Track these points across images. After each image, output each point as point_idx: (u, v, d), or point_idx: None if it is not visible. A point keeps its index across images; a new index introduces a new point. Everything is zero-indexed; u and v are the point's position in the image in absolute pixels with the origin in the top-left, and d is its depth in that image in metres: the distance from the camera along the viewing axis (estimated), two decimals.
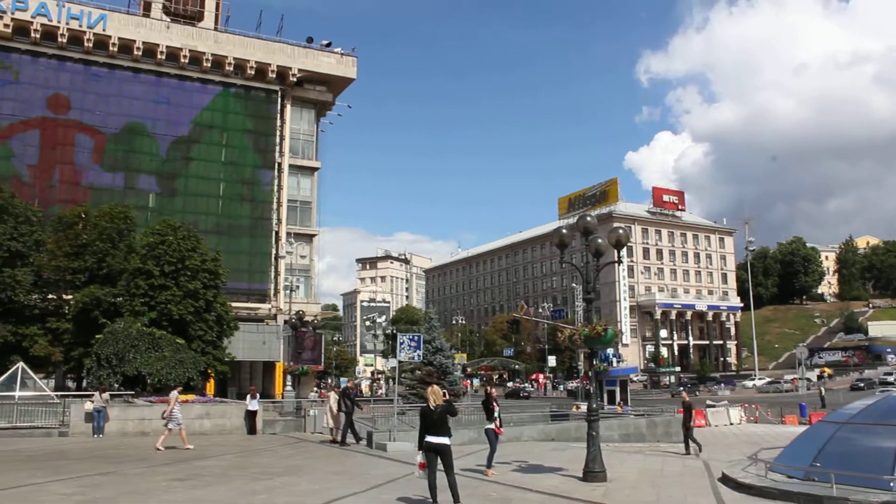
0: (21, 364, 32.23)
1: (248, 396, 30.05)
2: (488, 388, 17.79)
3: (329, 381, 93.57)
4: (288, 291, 60.10)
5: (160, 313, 39.81)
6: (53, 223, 45.21)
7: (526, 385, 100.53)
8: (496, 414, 16.80)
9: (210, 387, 45.99)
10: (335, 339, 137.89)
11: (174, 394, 23.24)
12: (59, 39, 58.28)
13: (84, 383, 39.44)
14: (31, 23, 57.36)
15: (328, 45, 68.71)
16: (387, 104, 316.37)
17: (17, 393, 29.71)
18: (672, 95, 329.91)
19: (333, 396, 25.62)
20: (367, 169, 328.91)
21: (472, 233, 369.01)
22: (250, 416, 29.27)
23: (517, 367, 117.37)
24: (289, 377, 46.82)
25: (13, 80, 57.66)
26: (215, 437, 27.35)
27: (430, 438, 11.46)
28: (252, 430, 28.98)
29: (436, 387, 12.35)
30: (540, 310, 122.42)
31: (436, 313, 56.63)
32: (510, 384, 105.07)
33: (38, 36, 57.73)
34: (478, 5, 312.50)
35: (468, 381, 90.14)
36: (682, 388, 33.89)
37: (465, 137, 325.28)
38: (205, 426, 28.19)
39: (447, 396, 12.55)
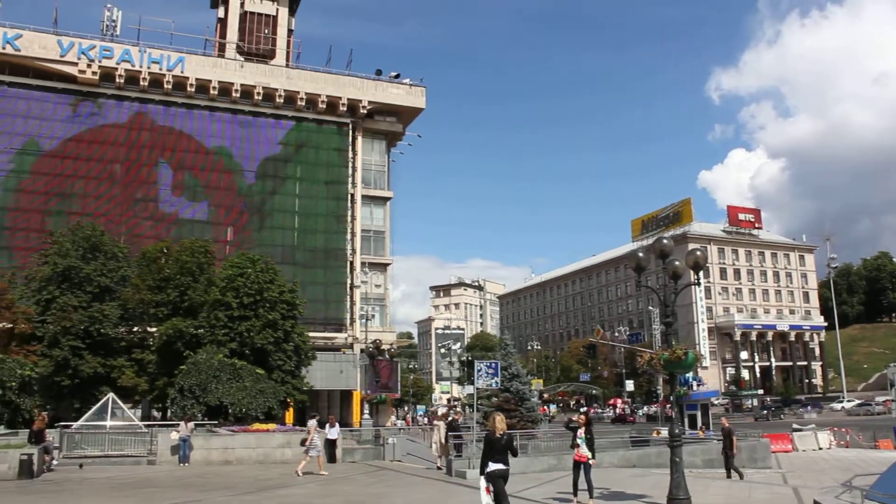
0: (111, 395, 33.31)
1: (327, 425, 30.32)
2: (577, 415, 17.24)
3: (406, 409, 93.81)
4: (363, 320, 60.85)
5: (240, 344, 40.72)
6: (138, 258, 46.84)
7: (624, 409, 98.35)
8: (580, 440, 16.20)
9: (290, 416, 46.69)
10: (411, 366, 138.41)
11: (312, 422, 23.85)
12: (141, 83, 60.83)
13: (169, 413, 40.49)
14: (116, 69, 60.13)
15: (396, 76, 69.83)
16: (456, 131, 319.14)
17: (108, 422, 30.70)
18: (745, 112, 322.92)
19: (442, 426, 25.87)
20: (438, 196, 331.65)
21: (545, 257, 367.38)
22: (330, 444, 29.47)
23: (594, 392, 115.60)
24: (366, 405, 47.07)
25: (99, 122, 60.28)
26: (297, 465, 27.59)
27: (493, 466, 11.55)
28: (332, 458, 29.16)
29: (502, 415, 12.44)
30: (616, 334, 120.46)
31: (511, 339, 56.24)
32: (583, 409, 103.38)
33: (122, 81, 60.42)
34: (544, 31, 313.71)
35: (545, 408, 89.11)
36: (722, 416, 32.89)
37: (535, 162, 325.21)
38: (286, 455, 28.51)
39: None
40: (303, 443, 23.56)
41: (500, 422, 11.96)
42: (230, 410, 36.90)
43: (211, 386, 36.89)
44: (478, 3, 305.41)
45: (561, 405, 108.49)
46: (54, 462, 24.93)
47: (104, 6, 62.06)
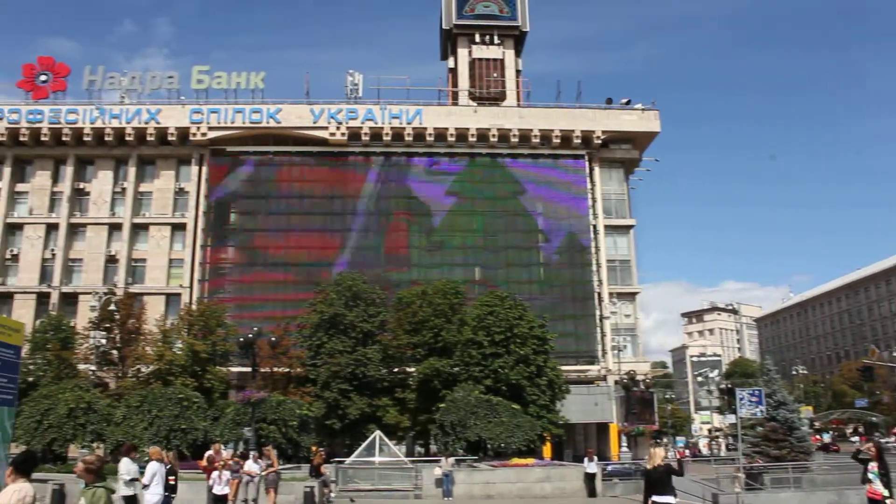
0: (378, 432, 35.16)
1: (586, 459, 29.65)
2: (867, 445, 15.15)
3: (664, 440, 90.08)
4: (615, 352, 59.55)
5: (495, 380, 41.43)
6: (394, 303, 49.55)
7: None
8: (871, 474, 13.90)
9: (547, 450, 46.52)
10: (667, 396, 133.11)
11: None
12: (384, 138, 65.01)
13: (433, 448, 41.97)
14: (361, 127, 64.87)
15: (627, 102, 68.66)
16: (694, 152, 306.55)
17: (377, 458, 32.39)
18: None
19: None
20: (682, 221, 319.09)
21: (805, 274, 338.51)
22: (589, 478, 28.79)
23: (874, 419, 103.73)
24: (624, 438, 45.67)
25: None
26: (557, 500, 27.28)
27: (655, 498, 11.80)
28: (592, 492, 28.44)
29: (659, 448, 13.02)
30: (895, 353, 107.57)
31: (773, 364, 52.11)
32: (875, 437, 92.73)
33: (367, 138, 64.97)
34: (774, 42, 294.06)
35: (818, 437, 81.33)
36: None
37: (783, 175, 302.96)
38: (545, 489, 28.25)
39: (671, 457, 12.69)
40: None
41: (654, 455, 12.26)
42: (489, 445, 37.47)
43: (469, 422, 37.80)
44: (704, 19, 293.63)
45: (836, 434, 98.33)
46: (332, 495, 26.54)
47: (346, 73, 67.46)
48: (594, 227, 65.76)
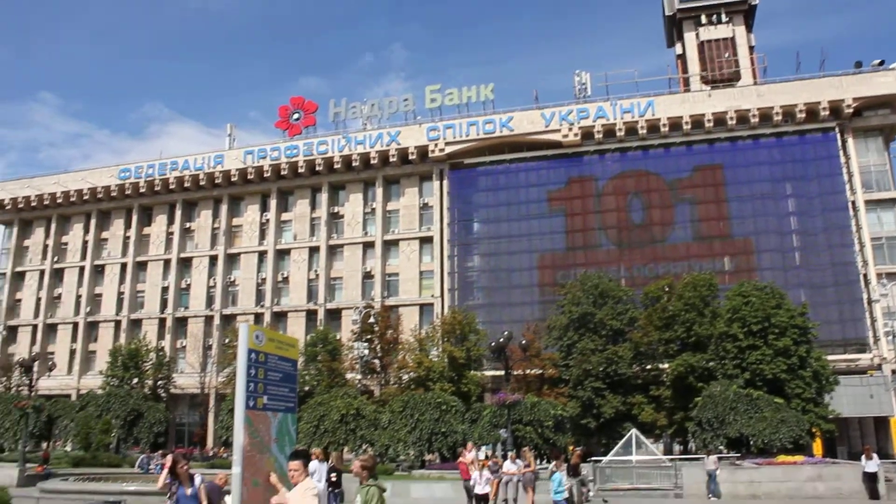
0: (634, 430, 35.29)
1: (863, 457, 27.75)
2: None
3: None
4: (890, 338, 54.53)
5: (752, 374, 40.08)
6: (641, 299, 49.31)
7: None
8: None
9: (817, 447, 43.94)
10: None
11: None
12: (617, 133, 64.48)
13: (691, 446, 41.31)
14: (593, 126, 64.79)
15: (881, 63, 62.45)
16: None
17: (634, 457, 32.56)
18: None
19: None
20: None
21: None
22: (868, 478, 26.86)
23: None
24: None
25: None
26: (832, 501, 25.92)
27: None
28: (874, 494, 26.44)
29: None
30: None
31: None
32: None
33: (600, 136, 64.83)
34: None
35: None
36: None
37: None
38: (818, 489, 26.90)
39: None
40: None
41: None
42: (751, 442, 36.34)
43: (729, 418, 36.94)
44: None
45: None
46: (590, 494, 27.22)
47: (573, 73, 67.86)
48: (853, 203, 60.58)
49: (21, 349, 76.12)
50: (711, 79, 67.17)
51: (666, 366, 46.42)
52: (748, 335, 41.13)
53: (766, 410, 36.87)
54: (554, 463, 17.89)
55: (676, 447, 47.20)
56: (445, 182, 68.93)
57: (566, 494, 16.95)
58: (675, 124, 63.74)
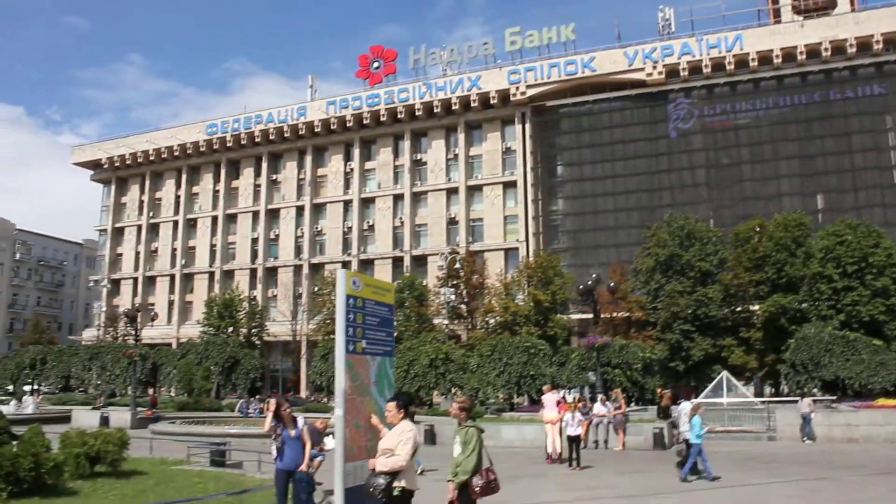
0: (725, 373, 34.91)
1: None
2: None
3: None
4: None
5: (847, 315, 39.05)
6: (731, 240, 48.23)
7: None
8: None
9: None
10: None
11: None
12: (704, 70, 62.19)
13: (784, 389, 40.67)
14: (678, 63, 62.62)
15: None
16: None
17: (724, 399, 32.28)
18: None
19: None
20: None
21: None
22: None
23: None
24: None
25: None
26: None
27: None
28: None
29: None
30: None
31: None
32: None
33: (686, 74, 62.68)
34: None
35: None
36: None
37: None
38: None
39: None
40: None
41: None
42: (848, 385, 35.58)
43: (824, 360, 36.21)
44: None
45: None
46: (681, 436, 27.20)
47: (657, 9, 65.40)
48: None
49: (124, 301, 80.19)
50: (804, 8, 63.77)
51: (756, 308, 45.51)
52: (843, 276, 39.90)
53: (863, 353, 35.91)
54: (693, 404, 17.09)
55: (767, 390, 46.52)
56: (528, 125, 68.19)
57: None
58: (765, 58, 61.00)
